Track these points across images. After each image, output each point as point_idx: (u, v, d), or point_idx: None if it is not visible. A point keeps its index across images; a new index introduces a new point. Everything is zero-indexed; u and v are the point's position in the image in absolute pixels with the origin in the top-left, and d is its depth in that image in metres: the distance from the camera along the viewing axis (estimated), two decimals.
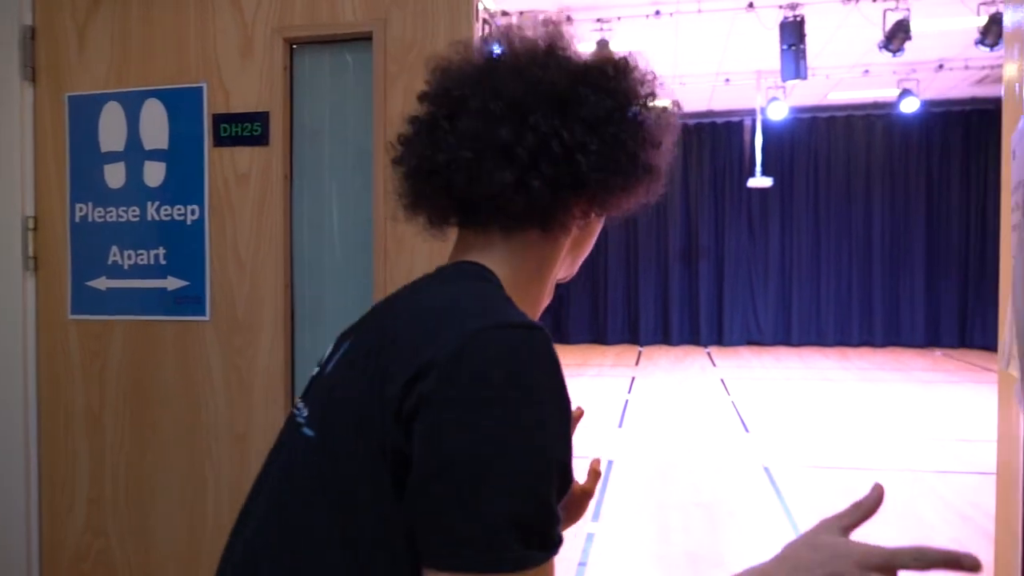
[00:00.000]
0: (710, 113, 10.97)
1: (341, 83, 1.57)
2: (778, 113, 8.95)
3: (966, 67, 8.70)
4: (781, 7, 6.57)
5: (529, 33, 0.83)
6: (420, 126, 0.83)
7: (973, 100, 10.45)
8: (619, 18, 6.80)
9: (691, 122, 10.97)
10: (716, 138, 11.13)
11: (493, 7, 6.45)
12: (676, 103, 0.88)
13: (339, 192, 1.58)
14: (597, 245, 0.93)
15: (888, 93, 9.82)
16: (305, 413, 0.77)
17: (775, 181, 10.22)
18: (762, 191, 10.57)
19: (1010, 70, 1.30)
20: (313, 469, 0.72)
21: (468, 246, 0.83)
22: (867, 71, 8.74)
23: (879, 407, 6.91)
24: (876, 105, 10.62)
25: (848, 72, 8.84)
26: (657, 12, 6.69)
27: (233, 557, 0.79)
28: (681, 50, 7.92)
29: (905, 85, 8.94)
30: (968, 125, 10.62)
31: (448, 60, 0.85)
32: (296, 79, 1.59)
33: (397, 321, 0.74)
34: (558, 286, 0.90)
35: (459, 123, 0.79)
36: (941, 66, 8.67)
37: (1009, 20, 1.36)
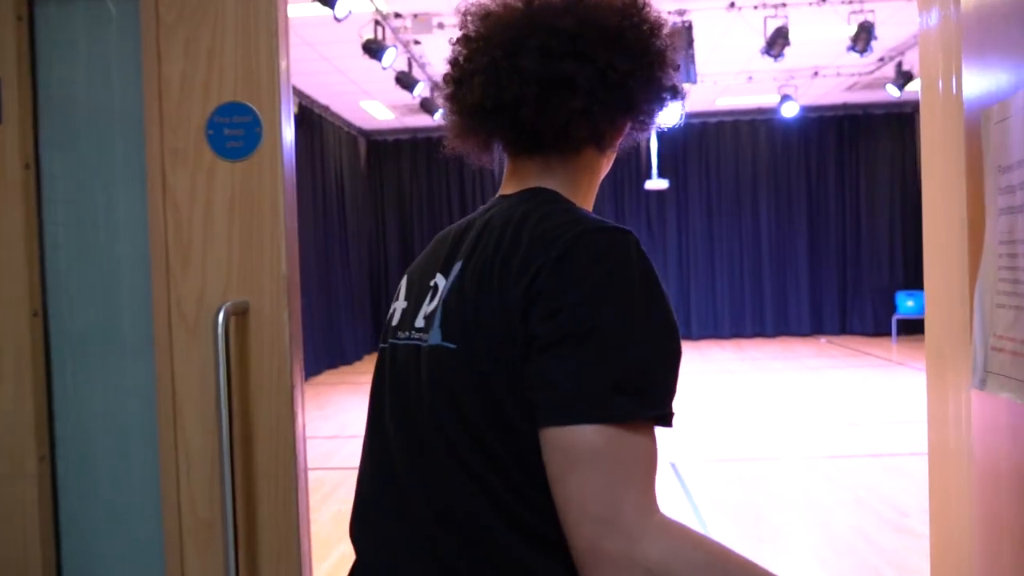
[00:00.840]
0: None
1: (102, 39, 1.12)
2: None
3: (838, 74, 8.76)
4: (670, 13, 6.36)
5: None
6: (475, 67, 0.84)
7: (845, 106, 10.61)
8: None
9: None
10: None
11: None
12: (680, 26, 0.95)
13: (106, 185, 1.13)
14: None
15: (770, 99, 9.85)
16: (431, 333, 0.81)
17: (671, 183, 10.11)
18: (659, 193, 10.45)
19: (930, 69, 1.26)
20: (461, 371, 0.77)
21: (527, 173, 0.89)
22: (751, 77, 8.69)
23: (774, 396, 6.79)
24: (760, 111, 10.66)
25: (734, 79, 8.77)
26: None
27: (387, 464, 0.84)
28: None
29: (785, 91, 8.94)
30: (841, 129, 10.79)
31: (486, 6, 0.88)
32: (39, 35, 1.14)
33: (503, 243, 0.78)
34: None
35: (521, 62, 0.81)
36: (816, 73, 8.70)
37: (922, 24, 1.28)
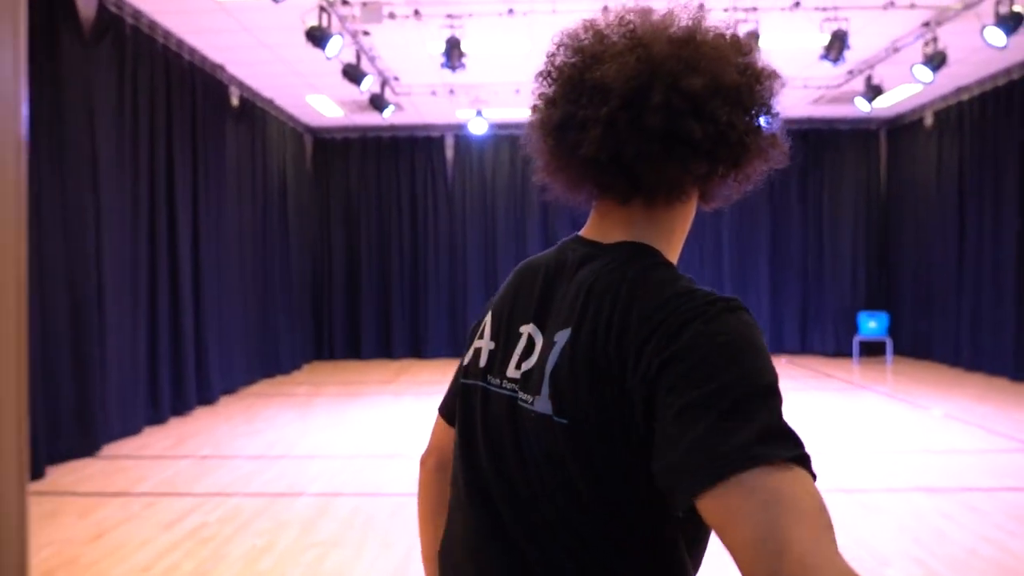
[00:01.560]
0: None
1: None
2: None
3: (805, 86, 8.60)
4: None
5: (662, 15, 0.89)
6: (589, 115, 0.84)
7: (810, 120, 10.50)
8: (471, 15, 6.08)
9: None
10: None
11: None
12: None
13: None
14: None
15: None
16: (537, 401, 0.83)
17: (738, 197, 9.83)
18: None
19: None
20: (572, 446, 0.80)
21: (623, 220, 0.90)
22: None
23: None
24: None
25: None
26: (511, 11, 6.02)
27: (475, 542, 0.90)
28: (537, 52, 7.30)
29: None
30: (805, 144, 10.66)
31: (591, 48, 0.87)
32: None
33: (613, 322, 0.80)
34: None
35: (644, 118, 0.81)
36: (783, 84, 8.49)
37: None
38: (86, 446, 5.20)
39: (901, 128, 10.45)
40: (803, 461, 0.69)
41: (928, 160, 9.78)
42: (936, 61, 6.54)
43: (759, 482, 0.66)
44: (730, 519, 0.66)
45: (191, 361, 6.87)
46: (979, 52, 7.36)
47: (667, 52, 0.83)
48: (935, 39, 6.57)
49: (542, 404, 0.83)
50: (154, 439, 5.83)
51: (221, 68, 7.64)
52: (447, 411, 1.09)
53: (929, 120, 9.77)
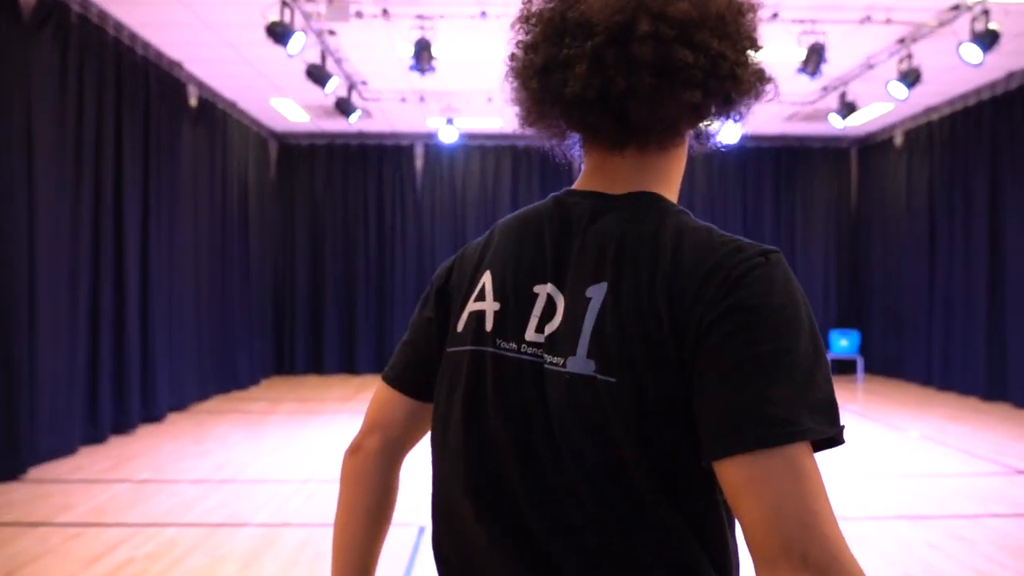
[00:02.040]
0: None
1: None
2: None
3: (779, 102, 8.48)
4: None
5: None
6: (573, 53, 0.79)
7: (783, 137, 10.42)
8: (442, 16, 5.82)
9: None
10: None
11: None
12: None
13: None
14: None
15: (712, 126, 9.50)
16: (572, 360, 0.79)
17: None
18: None
19: None
20: (619, 405, 0.76)
21: (621, 169, 0.86)
22: None
23: None
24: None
25: None
26: (483, 13, 5.77)
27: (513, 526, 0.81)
28: None
29: None
30: (778, 161, 10.59)
31: None
32: None
33: (658, 268, 0.77)
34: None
35: (632, 49, 0.77)
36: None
37: None
38: (10, 469, 4.77)
39: (871, 147, 10.42)
40: (840, 435, 0.73)
41: (898, 179, 9.74)
42: (911, 78, 6.44)
43: (797, 454, 0.68)
44: (760, 486, 0.67)
45: (135, 375, 6.45)
46: (950, 71, 7.30)
47: None
48: (910, 56, 6.47)
49: (579, 364, 0.79)
50: (90, 460, 5.41)
51: (179, 66, 7.27)
52: (406, 382, 0.98)
53: (899, 139, 9.74)
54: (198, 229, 7.83)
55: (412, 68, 5.95)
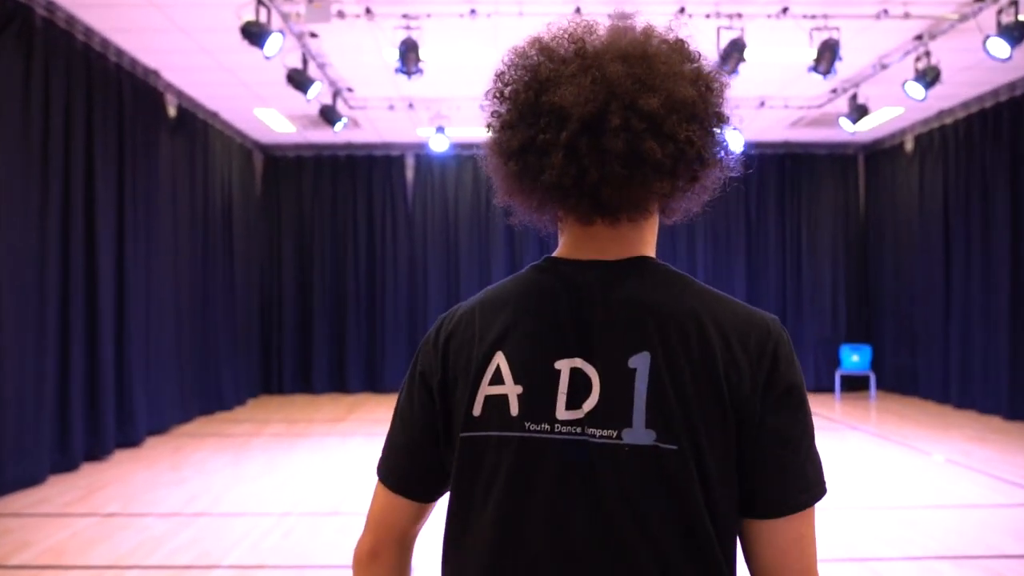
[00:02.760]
0: None
1: None
2: None
3: (785, 106, 8.20)
4: (609, 16, 5.55)
5: (609, 30, 0.87)
6: (550, 139, 0.82)
7: (787, 144, 10.13)
8: (428, 15, 5.52)
9: None
10: None
11: None
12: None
13: None
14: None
15: None
16: (630, 432, 0.80)
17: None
18: None
19: None
20: (683, 471, 0.80)
21: (604, 236, 0.89)
22: None
23: None
24: None
25: None
26: (473, 11, 5.48)
27: None
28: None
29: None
30: (782, 169, 10.29)
31: (544, 69, 0.85)
32: None
33: (706, 337, 0.82)
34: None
35: (604, 142, 0.80)
36: (763, 103, 8.11)
37: None
38: None
39: (880, 153, 10.13)
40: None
41: (909, 186, 9.44)
42: (930, 76, 6.14)
43: (813, 513, 0.84)
44: (796, 543, 0.82)
45: (110, 398, 6.10)
46: (965, 71, 7.02)
47: (621, 72, 0.82)
48: (927, 53, 6.18)
49: (638, 435, 0.80)
50: (58, 491, 5.04)
51: (155, 74, 6.97)
52: (413, 489, 0.94)
53: (910, 145, 9.45)
54: (178, 244, 7.50)
55: (398, 71, 5.65)
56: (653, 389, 0.79)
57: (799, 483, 0.82)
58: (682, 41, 0.87)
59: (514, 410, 0.84)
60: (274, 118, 8.64)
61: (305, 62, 6.22)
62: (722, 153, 0.87)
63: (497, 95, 0.88)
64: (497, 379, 0.86)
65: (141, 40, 6.25)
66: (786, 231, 10.28)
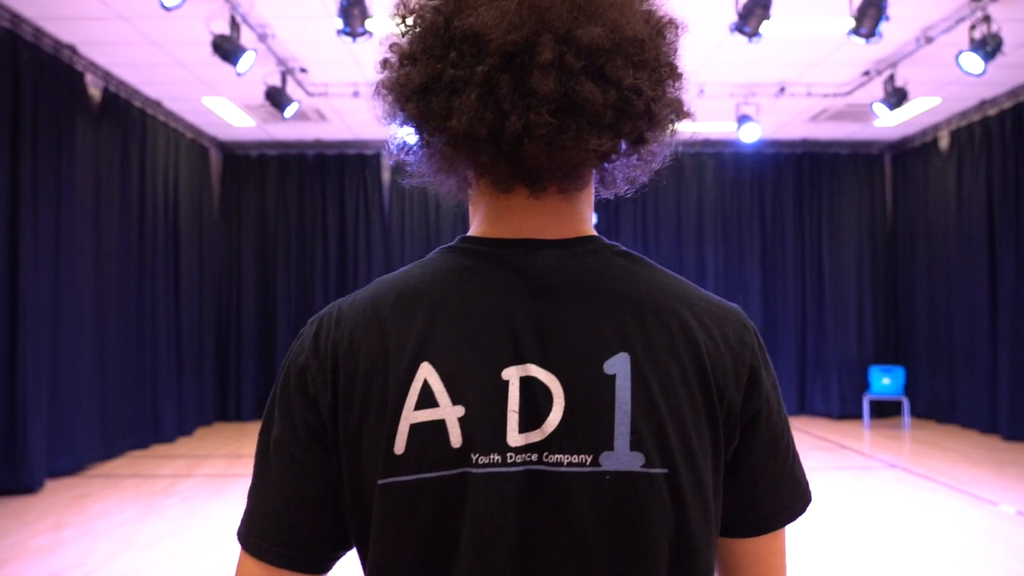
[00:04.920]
0: None
1: None
2: None
3: (808, 93, 7.06)
4: None
5: None
6: (460, 75, 0.64)
7: (804, 142, 9.00)
8: None
9: None
10: None
11: None
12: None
13: None
14: None
15: (721, 128, 8.11)
16: (609, 456, 0.64)
17: (599, 219, 8.16)
18: None
19: None
20: (677, 497, 0.66)
21: (531, 211, 0.72)
22: (702, 91, 6.89)
23: None
24: (708, 143, 8.92)
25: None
26: None
27: None
28: None
29: (745, 110, 7.17)
30: (800, 170, 9.15)
31: None
32: None
33: (675, 336, 0.68)
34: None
35: (531, 81, 0.63)
36: (783, 89, 6.97)
37: None
38: None
39: (909, 152, 8.98)
40: None
41: (944, 188, 8.29)
42: (991, 46, 5.01)
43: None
44: (777, 553, 0.73)
45: None
46: (1019, 51, 5.87)
47: None
48: (987, 18, 5.04)
49: (620, 460, 0.64)
50: None
51: (70, 49, 5.87)
52: (294, 550, 0.69)
53: (944, 141, 8.31)
54: (104, 253, 6.36)
55: (341, 32, 4.52)
56: (639, 399, 0.65)
57: (793, 493, 0.74)
58: None
59: (455, 440, 0.64)
60: (226, 108, 7.54)
61: (235, 25, 5.08)
62: (675, 113, 0.71)
63: (398, 16, 0.69)
64: (427, 400, 0.65)
65: (51, 6, 5.15)
66: (805, 238, 9.13)
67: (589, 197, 0.75)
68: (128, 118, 6.80)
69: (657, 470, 0.64)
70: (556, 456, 0.63)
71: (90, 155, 6.18)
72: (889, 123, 8.08)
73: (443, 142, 0.67)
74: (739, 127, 7.15)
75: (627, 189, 0.77)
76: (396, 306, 0.68)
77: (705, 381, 0.67)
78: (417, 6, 0.69)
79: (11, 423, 5.17)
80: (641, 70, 0.66)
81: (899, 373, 8.18)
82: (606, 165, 0.72)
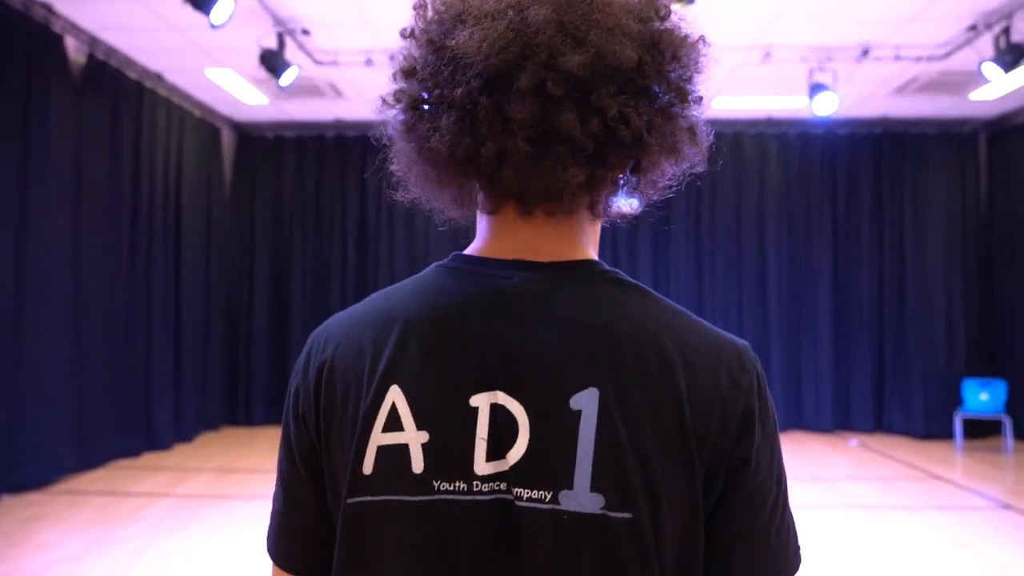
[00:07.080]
0: None
1: None
2: None
3: (896, 56, 5.89)
4: None
5: None
6: (444, 96, 0.64)
7: (884, 121, 7.78)
8: None
9: None
10: None
11: None
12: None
13: None
14: None
15: (788, 103, 6.98)
16: (570, 496, 0.61)
17: (643, 206, 7.11)
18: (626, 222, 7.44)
19: None
20: (640, 543, 0.62)
21: (548, 229, 0.70)
22: (768, 54, 5.80)
23: None
24: (771, 122, 7.78)
25: (744, 56, 5.86)
26: None
27: None
28: None
29: (819, 78, 6.03)
30: (879, 152, 7.94)
31: (457, 3, 0.66)
32: None
33: (651, 373, 0.64)
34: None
35: (509, 108, 0.62)
36: (866, 52, 5.82)
37: None
38: None
39: (1008, 131, 7.68)
40: None
41: None
42: None
43: None
44: None
45: None
46: None
47: (547, 17, 0.62)
48: None
49: (579, 500, 0.61)
50: None
51: (46, 8, 5.13)
52: (313, 566, 0.72)
53: None
54: (84, 242, 5.63)
55: None
56: (603, 439, 0.62)
57: (774, 561, 0.66)
58: (670, 14, 0.67)
59: (417, 465, 0.64)
60: (234, 82, 6.75)
61: None
62: (681, 141, 0.67)
63: (408, 34, 0.70)
64: (394, 424, 0.65)
65: None
66: (884, 233, 7.90)
67: (585, 221, 0.72)
68: (119, 90, 6.06)
69: (618, 514, 0.61)
70: (516, 489, 0.62)
71: (68, 129, 5.44)
72: (987, 96, 6.84)
73: (426, 160, 0.67)
74: (811, 98, 6.02)
75: (626, 217, 0.75)
76: (375, 327, 0.69)
77: (681, 423, 0.62)
78: (425, 21, 0.68)
79: None
80: (637, 97, 0.64)
81: (1000, 387, 6.92)
82: (598, 195, 0.70)
